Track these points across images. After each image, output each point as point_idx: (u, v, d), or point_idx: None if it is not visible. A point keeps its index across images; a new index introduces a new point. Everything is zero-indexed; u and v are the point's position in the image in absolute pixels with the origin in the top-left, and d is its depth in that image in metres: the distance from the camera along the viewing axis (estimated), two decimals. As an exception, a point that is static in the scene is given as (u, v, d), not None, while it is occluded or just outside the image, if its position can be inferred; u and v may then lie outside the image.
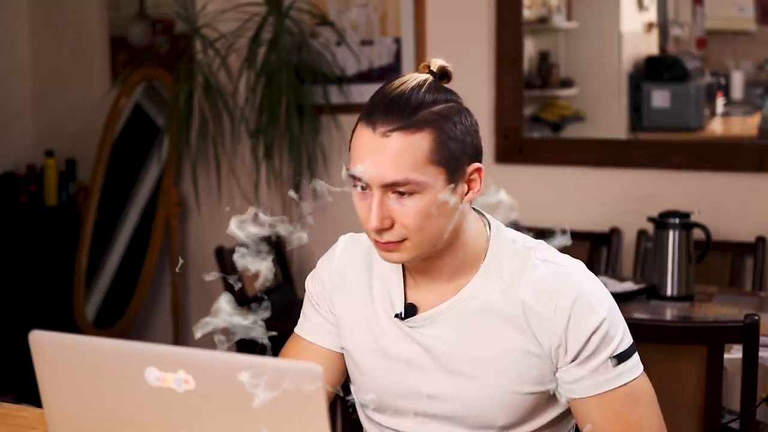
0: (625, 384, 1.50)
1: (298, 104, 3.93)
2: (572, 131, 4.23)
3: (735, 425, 2.32)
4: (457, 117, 1.47)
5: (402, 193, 1.44)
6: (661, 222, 2.95)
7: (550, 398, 1.55)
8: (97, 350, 1.17)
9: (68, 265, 4.45)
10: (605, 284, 1.60)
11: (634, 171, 3.67)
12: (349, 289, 1.65)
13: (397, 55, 3.96)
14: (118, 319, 4.37)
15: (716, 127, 4.39)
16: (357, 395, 1.66)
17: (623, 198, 3.67)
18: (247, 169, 4.16)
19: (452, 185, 1.46)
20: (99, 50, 4.61)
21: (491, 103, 3.83)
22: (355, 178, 1.46)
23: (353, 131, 1.49)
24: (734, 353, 2.29)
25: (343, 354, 1.68)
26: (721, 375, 2.20)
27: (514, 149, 3.82)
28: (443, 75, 1.51)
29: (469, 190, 1.50)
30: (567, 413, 1.58)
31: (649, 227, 3.22)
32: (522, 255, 1.55)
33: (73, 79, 4.70)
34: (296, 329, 1.74)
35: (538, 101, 4.22)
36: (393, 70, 3.96)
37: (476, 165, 1.49)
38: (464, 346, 1.54)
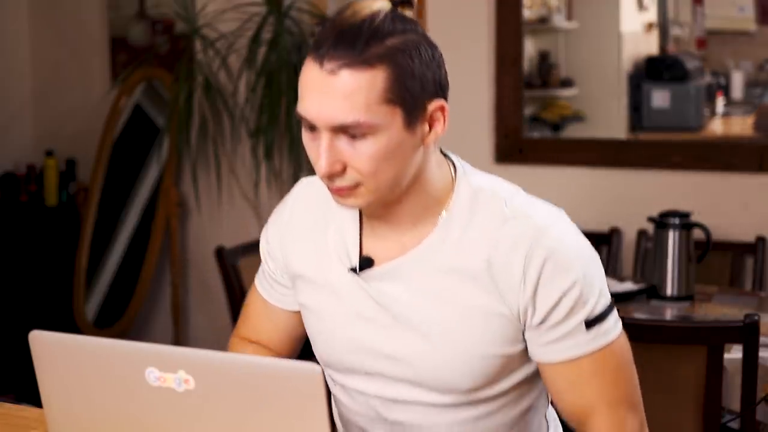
0: (598, 349, 1.39)
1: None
2: (572, 131, 4.23)
3: (735, 425, 2.32)
4: (416, 50, 1.32)
5: (354, 136, 1.30)
6: (661, 222, 2.95)
7: (518, 358, 1.44)
8: (97, 350, 1.17)
9: (68, 265, 4.45)
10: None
11: (634, 171, 3.67)
12: (303, 239, 1.51)
13: (397, 55, 3.94)
14: (118, 319, 4.37)
15: (716, 127, 4.39)
16: (317, 354, 1.53)
17: (623, 198, 3.67)
18: (247, 169, 4.16)
19: (411, 125, 1.33)
20: (99, 50, 4.61)
21: (491, 103, 3.83)
22: (303, 117, 1.33)
23: (303, 65, 1.34)
24: (734, 353, 2.29)
25: (295, 314, 1.58)
26: (721, 375, 2.20)
27: (514, 149, 3.81)
28: (404, 1, 1.36)
29: (431, 129, 1.36)
30: (537, 373, 1.47)
31: (649, 227, 3.22)
32: (490, 206, 1.40)
33: (73, 79, 4.69)
34: (256, 281, 1.64)
35: (538, 101, 4.22)
36: (393, 70, 3.95)
37: (439, 102, 1.35)
38: (424, 305, 1.41)
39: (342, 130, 1.30)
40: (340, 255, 1.47)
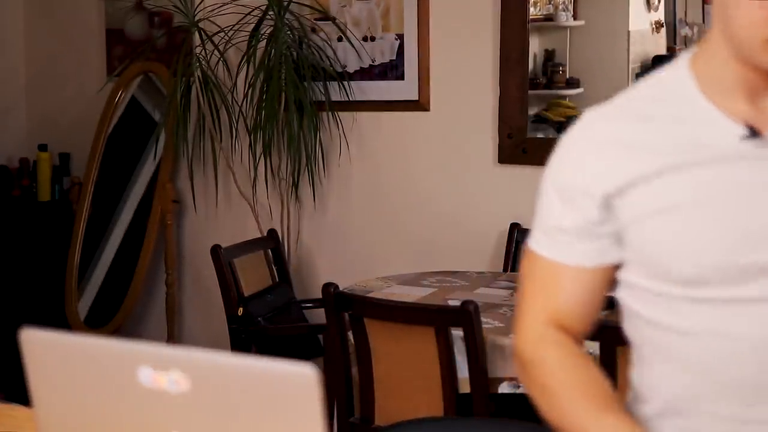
0: None
1: (297, 100, 3.89)
2: (576, 132, 4.18)
3: None
4: None
5: None
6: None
7: None
8: (89, 349, 1.15)
9: (61, 262, 4.44)
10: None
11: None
12: (634, 149, 1.38)
13: (400, 52, 3.92)
14: (111, 317, 4.35)
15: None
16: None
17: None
18: (245, 165, 4.14)
19: None
20: (95, 42, 4.59)
21: (495, 102, 3.79)
22: None
23: None
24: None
25: (609, 268, 1.43)
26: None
27: (518, 149, 3.77)
28: None
29: None
30: None
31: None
32: None
33: (69, 72, 4.68)
34: (538, 250, 1.47)
35: (542, 100, 4.17)
36: (395, 66, 3.93)
37: None
38: None
39: None
40: (704, 136, 1.35)
